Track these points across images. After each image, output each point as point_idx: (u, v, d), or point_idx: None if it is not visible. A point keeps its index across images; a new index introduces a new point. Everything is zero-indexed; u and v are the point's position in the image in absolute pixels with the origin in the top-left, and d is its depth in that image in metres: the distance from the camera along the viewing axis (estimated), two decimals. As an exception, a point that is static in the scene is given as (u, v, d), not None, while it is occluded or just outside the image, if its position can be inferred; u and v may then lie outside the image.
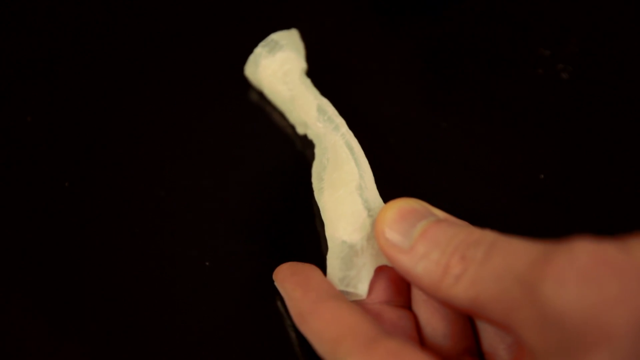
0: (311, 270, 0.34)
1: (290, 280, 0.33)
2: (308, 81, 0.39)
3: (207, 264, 0.37)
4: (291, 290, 0.33)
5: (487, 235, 0.29)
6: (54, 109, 0.40)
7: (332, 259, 0.34)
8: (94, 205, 0.38)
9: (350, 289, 0.34)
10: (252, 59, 0.40)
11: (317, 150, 0.37)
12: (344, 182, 0.35)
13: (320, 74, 0.40)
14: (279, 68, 0.39)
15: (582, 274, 0.26)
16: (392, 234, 0.31)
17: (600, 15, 0.44)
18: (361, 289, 0.34)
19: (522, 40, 0.43)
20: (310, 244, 0.37)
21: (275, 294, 0.35)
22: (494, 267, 0.28)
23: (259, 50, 0.39)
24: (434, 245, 0.30)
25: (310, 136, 0.39)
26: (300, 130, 0.40)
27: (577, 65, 0.42)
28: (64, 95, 0.41)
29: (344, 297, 0.32)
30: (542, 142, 0.41)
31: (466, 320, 0.33)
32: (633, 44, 0.43)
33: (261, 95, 0.41)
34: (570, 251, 0.26)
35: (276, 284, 0.34)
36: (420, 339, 0.33)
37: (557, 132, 0.41)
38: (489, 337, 0.32)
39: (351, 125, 0.37)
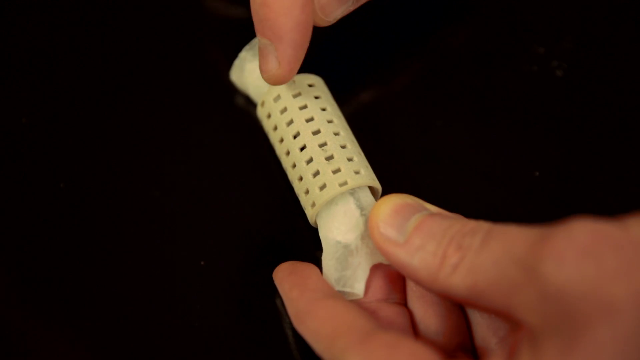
0: (309, 269, 0.34)
1: (288, 280, 0.33)
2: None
3: (202, 263, 0.37)
4: (288, 290, 0.33)
5: (483, 225, 0.29)
6: (49, 110, 0.41)
7: (327, 260, 0.34)
8: (89, 206, 0.38)
9: (347, 289, 0.34)
10: (237, 63, 0.39)
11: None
12: None
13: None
14: None
15: (581, 251, 0.26)
16: (386, 228, 0.31)
17: (595, 11, 0.44)
18: (358, 288, 0.34)
19: (517, 38, 0.43)
20: (305, 243, 0.37)
21: (271, 293, 0.35)
22: (491, 252, 0.28)
23: (244, 54, 0.39)
24: (429, 237, 0.30)
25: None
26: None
27: (572, 62, 0.42)
28: (59, 97, 0.41)
29: (340, 296, 0.32)
30: (537, 140, 0.41)
31: (460, 317, 0.33)
32: (627, 41, 0.43)
33: (248, 99, 0.41)
34: (569, 230, 0.26)
35: (275, 283, 0.34)
36: (416, 335, 0.33)
37: (552, 129, 0.41)
38: (482, 331, 0.32)
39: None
